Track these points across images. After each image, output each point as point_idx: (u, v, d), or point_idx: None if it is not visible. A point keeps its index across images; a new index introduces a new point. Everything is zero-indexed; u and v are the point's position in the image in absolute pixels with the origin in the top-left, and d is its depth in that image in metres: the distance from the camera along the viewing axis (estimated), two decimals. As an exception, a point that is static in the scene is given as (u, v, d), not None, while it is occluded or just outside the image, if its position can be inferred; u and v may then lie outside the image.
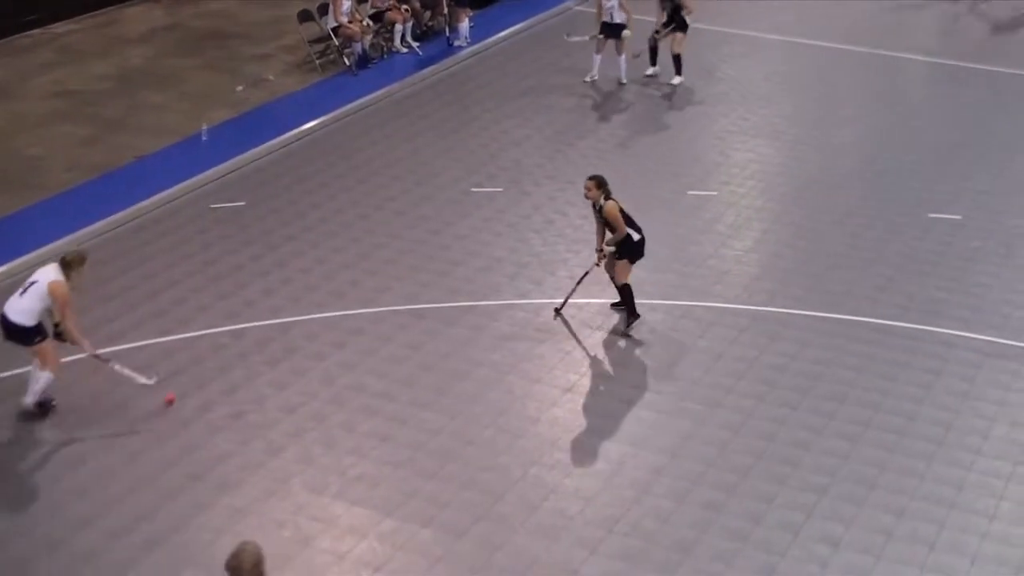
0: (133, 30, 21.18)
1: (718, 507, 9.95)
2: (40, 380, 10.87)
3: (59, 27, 20.97)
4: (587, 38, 19.09)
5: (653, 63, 19.36)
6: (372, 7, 20.16)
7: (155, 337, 12.16)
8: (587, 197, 12.18)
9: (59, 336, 10.95)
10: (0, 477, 10.25)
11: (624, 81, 18.87)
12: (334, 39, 19.50)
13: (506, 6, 22.63)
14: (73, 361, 11.65)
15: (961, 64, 20.45)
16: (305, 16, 19.87)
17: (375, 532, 9.64)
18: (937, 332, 12.47)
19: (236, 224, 14.56)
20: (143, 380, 11.14)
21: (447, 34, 20.64)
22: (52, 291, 10.66)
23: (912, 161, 16.60)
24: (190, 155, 16.21)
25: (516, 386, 11.53)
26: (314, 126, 17.37)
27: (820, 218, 14.98)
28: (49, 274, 10.76)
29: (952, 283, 13.44)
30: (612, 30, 18.68)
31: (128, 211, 14.69)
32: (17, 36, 20.36)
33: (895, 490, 10.18)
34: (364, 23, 19.61)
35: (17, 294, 10.86)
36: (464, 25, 20.52)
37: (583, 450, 10.66)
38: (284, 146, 16.77)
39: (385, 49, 20.23)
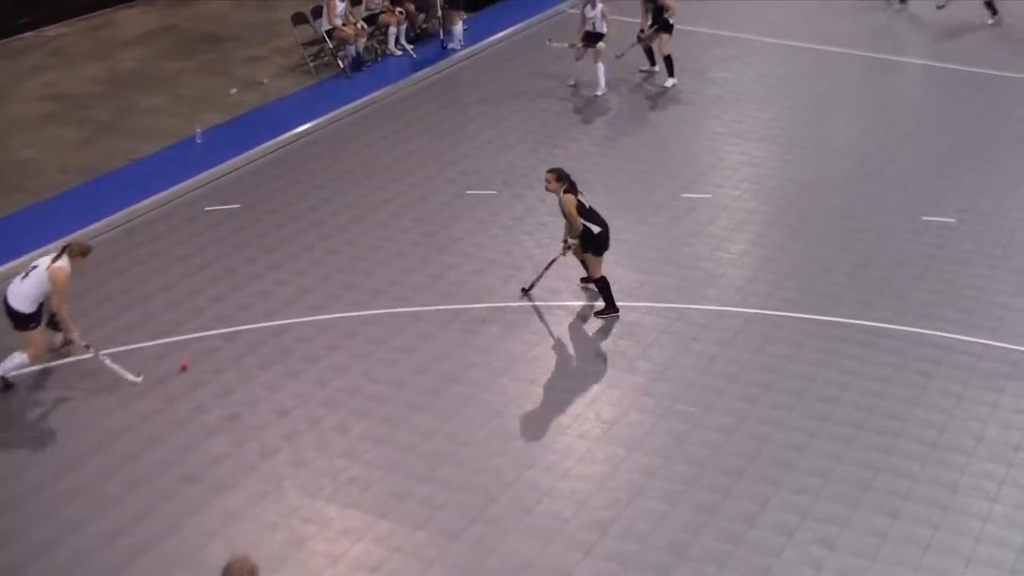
0: (126, 33, 21.16)
1: (712, 509, 9.95)
2: (15, 360, 11.12)
3: (52, 30, 20.95)
4: (567, 46, 19.12)
5: (652, 63, 19.47)
6: (366, 9, 20.17)
7: (149, 340, 12.14)
8: (548, 189, 12.63)
9: (54, 324, 11.12)
10: (-7, 480, 10.25)
11: (599, 93, 18.73)
12: (328, 42, 19.49)
13: (500, 9, 22.65)
14: (67, 364, 11.66)
15: (954, 66, 20.48)
16: (299, 19, 19.86)
17: (369, 534, 9.63)
18: (930, 335, 12.49)
19: (230, 227, 14.55)
20: (131, 378, 11.20)
21: (441, 37, 20.64)
22: (52, 276, 10.88)
23: (905, 164, 16.63)
24: (184, 158, 16.19)
25: (510, 388, 11.53)
26: (308, 129, 17.36)
27: (814, 221, 15.00)
28: (50, 260, 11.03)
29: (945, 286, 13.46)
30: (593, 39, 18.66)
31: (121, 214, 14.67)
32: (9, 39, 20.32)
33: (889, 492, 10.19)
34: (358, 26, 19.61)
35: (19, 278, 11.15)
36: (458, 28, 20.53)
37: (576, 452, 10.66)
38: (278, 148, 16.77)
39: (379, 52, 20.23)
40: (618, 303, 12.69)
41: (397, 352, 12.06)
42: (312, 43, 19.77)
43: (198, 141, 16.66)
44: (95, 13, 21.74)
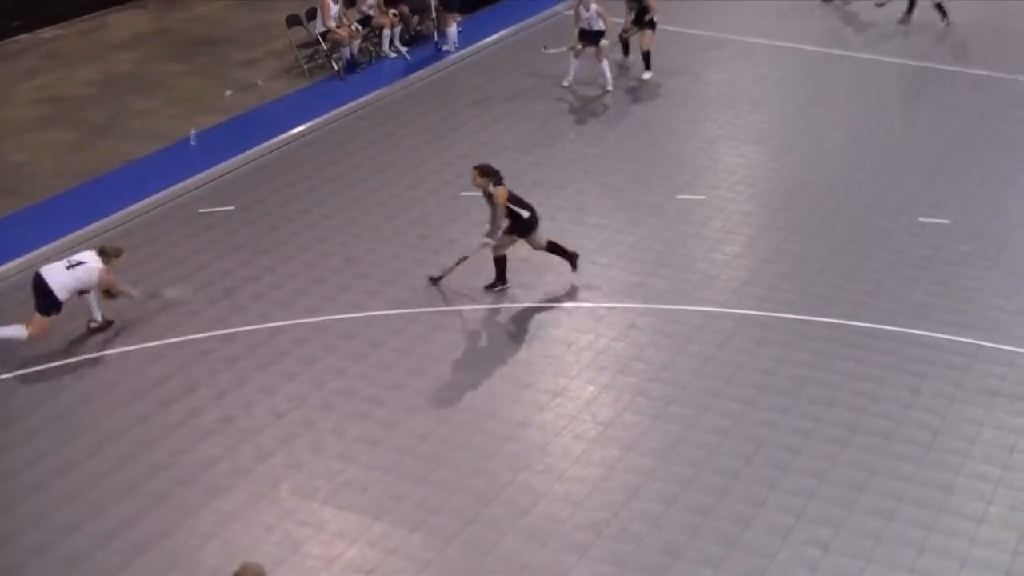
0: (120, 35, 21.14)
1: (707, 511, 9.96)
2: (11, 332, 11.61)
3: (46, 32, 20.92)
4: (564, 49, 19.14)
5: (626, 54, 19.88)
6: (360, 12, 20.15)
7: (144, 342, 12.13)
8: (475, 185, 13.07)
9: (109, 295, 12.01)
10: (-13, 483, 10.23)
11: (610, 88, 18.87)
12: (322, 44, 19.48)
13: (494, 11, 22.64)
14: (60, 367, 11.65)
15: (948, 68, 20.51)
16: (293, 21, 19.85)
17: (364, 537, 9.62)
18: (925, 336, 12.50)
19: (225, 229, 14.54)
20: (184, 293, 12.66)
21: (435, 39, 20.63)
22: (104, 280, 11.77)
23: (901, 165, 16.64)
24: (178, 160, 16.17)
25: (505, 390, 11.53)
26: (303, 131, 17.35)
27: (808, 222, 15.01)
28: (97, 260, 11.77)
29: (940, 287, 13.47)
30: (592, 37, 18.74)
31: (116, 216, 14.65)
32: (4, 42, 20.29)
33: (884, 493, 10.20)
34: (352, 28, 19.60)
35: (63, 265, 11.71)
36: (452, 30, 20.51)
37: (572, 454, 10.66)
38: (273, 151, 16.75)
39: (373, 54, 20.21)
40: (614, 304, 12.73)
41: (393, 354, 12.05)
42: (306, 45, 19.75)
43: (193, 143, 16.65)
44: (90, 15, 21.71)
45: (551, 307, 12.93)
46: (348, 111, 18.09)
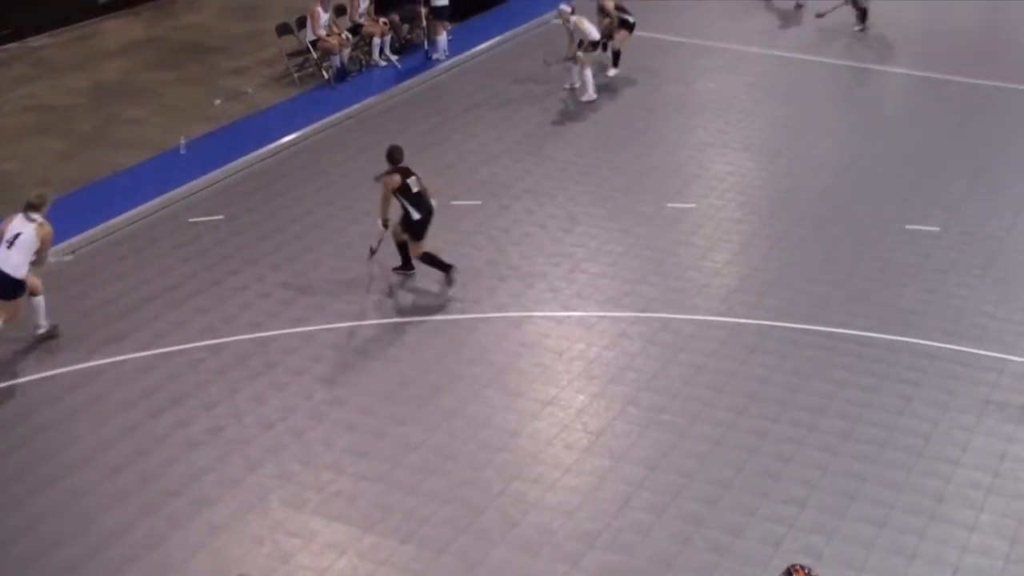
0: (110, 44, 21.10)
1: (699, 520, 9.94)
2: None
3: (36, 40, 20.87)
4: (565, 59, 19.21)
5: (604, 50, 19.81)
6: (351, 20, 20.15)
7: (133, 352, 12.08)
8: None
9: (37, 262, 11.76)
10: (-25, 494, 10.17)
11: (591, 98, 18.86)
12: (312, 52, 19.47)
13: (484, 20, 22.66)
14: (47, 378, 11.60)
15: (937, 76, 20.55)
16: (284, 29, 19.83)
17: (354, 548, 9.58)
18: (915, 344, 12.51)
19: (214, 238, 14.50)
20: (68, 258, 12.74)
21: (425, 47, 20.63)
22: (44, 236, 11.56)
23: (890, 173, 16.66)
24: (168, 169, 16.13)
25: (496, 399, 11.50)
26: (293, 139, 17.33)
27: (798, 230, 15.02)
28: (28, 222, 11.51)
29: (930, 295, 13.48)
30: (592, 46, 18.92)
31: (104, 226, 14.60)
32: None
33: (875, 502, 10.19)
34: (343, 36, 19.60)
35: (3, 248, 11.45)
36: (442, 38, 20.52)
37: (563, 464, 10.63)
38: (262, 160, 16.72)
39: (364, 62, 20.22)
40: (605, 313, 12.72)
41: (383, 363, 12.02)
42: (297, 53, 19.75)
43: (182, 152, 16.61)
44: (79, 24, 21.66)
45: (541, 316, 12.91)
46: (338, 119, 18.08)
